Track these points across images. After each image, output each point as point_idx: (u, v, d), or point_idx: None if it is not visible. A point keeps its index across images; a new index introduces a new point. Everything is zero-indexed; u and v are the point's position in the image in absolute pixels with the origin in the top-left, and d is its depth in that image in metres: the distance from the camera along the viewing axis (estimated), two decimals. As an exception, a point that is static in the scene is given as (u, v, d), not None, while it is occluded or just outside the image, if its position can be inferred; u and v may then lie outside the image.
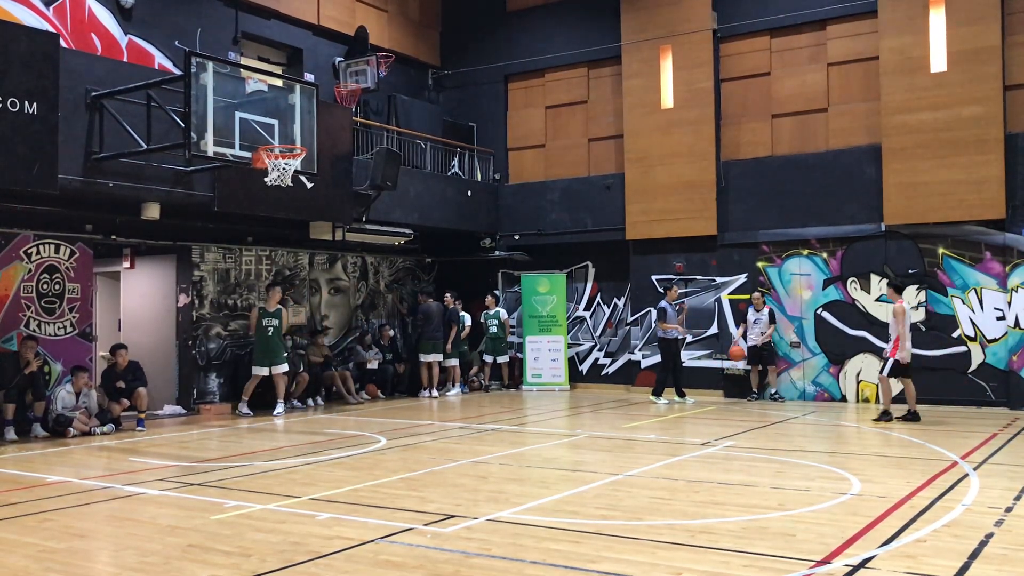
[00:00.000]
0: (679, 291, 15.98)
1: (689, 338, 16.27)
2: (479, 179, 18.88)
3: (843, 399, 15.10)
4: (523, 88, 19.18)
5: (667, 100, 16.80)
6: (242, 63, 14.29)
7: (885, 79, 14.84)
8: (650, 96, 16.96)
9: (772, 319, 15.50)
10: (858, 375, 15.06)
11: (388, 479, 8.45)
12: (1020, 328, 13.82)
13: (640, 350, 17.29)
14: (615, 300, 18.01)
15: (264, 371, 14.08)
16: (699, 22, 16.54)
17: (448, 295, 17.64)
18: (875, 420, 12.49)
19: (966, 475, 8.32)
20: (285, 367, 14.26)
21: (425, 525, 6.56)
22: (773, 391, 15.45)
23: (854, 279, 15.19)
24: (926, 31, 14.45)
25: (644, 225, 17.02)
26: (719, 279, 16.46)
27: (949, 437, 10.84)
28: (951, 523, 6.46)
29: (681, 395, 15.35)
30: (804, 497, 7.45)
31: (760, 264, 16.06)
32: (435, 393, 16.70)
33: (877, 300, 14.93)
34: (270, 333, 14.10)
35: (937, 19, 14.37)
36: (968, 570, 5.31)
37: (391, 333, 17.61)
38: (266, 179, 11.31)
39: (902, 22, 14.68)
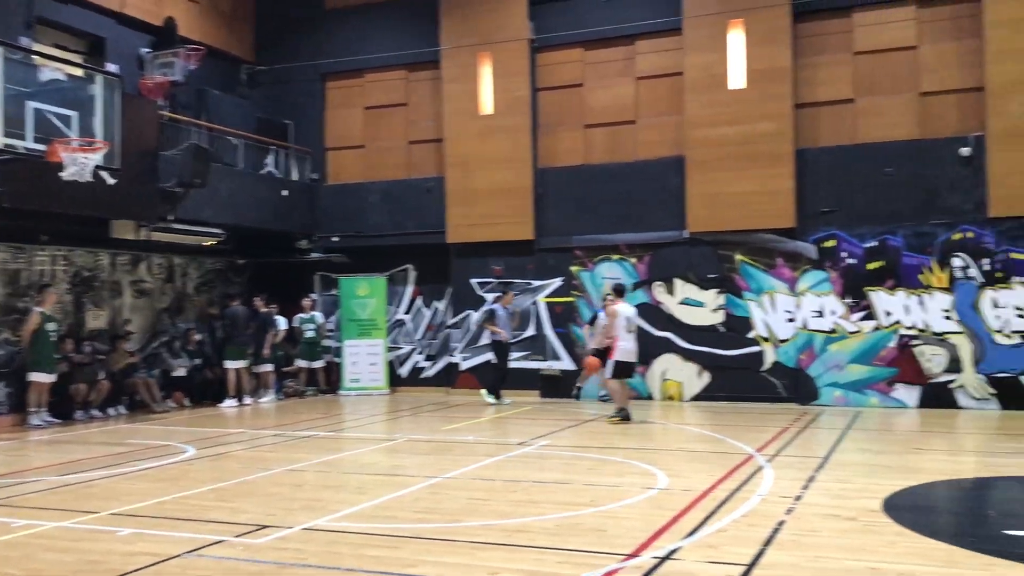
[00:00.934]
0: (514, 295, 16.19)
1: (512, 340, 16.50)
2: (295, 179, 18.44)
3: (649, 397, 15.80)
4: (341, 88, 18.90)
5: (486, 106, 17.03)
6: (35, 49, 13.30)
7: (689, 94, 15.68)
8: (469, 101, 17.14)
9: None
10: (663, 374, 15.80)
11: (196, 490, 8.10)
12: (808, 329, 14.94)
13: (461, 353, 17.42)
14: (435, 303, 18.06)
15: (51, 377, 13.20)
16: (515, 31, 16.88)
17: (259, 298, 17.08)
18: (610, 419, 12.73)
19: (761, 467, 8.91)
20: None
21: (236, 537, 6.33)
22: (602, 393, 15.58)
23: (660, 283, 15.93)
24: (726, 50, 15.38)
25: (464, 229, 17.18)
26: (536, 282, 16.84)
27: (745, 432, 11.57)
28: (748, 513, 6.90)
29: (496, 396, 15.57)
30: (615, 493, 7.74)
31: (574, 268, 16.56)
32: (246, 400, 16.13)
33: (681, 303, 15.73)
34: (54, 338, 13.25)
35: (736, 39, 15.32)
36: (763, 556, 5.69)
37: (198, 337, 16.83)
38: (62, 174, 10.58)
39: (704, 41, 15.56)
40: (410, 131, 18.37)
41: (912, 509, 7.14)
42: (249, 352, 16.35)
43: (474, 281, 17.30)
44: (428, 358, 18.11)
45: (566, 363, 16.57)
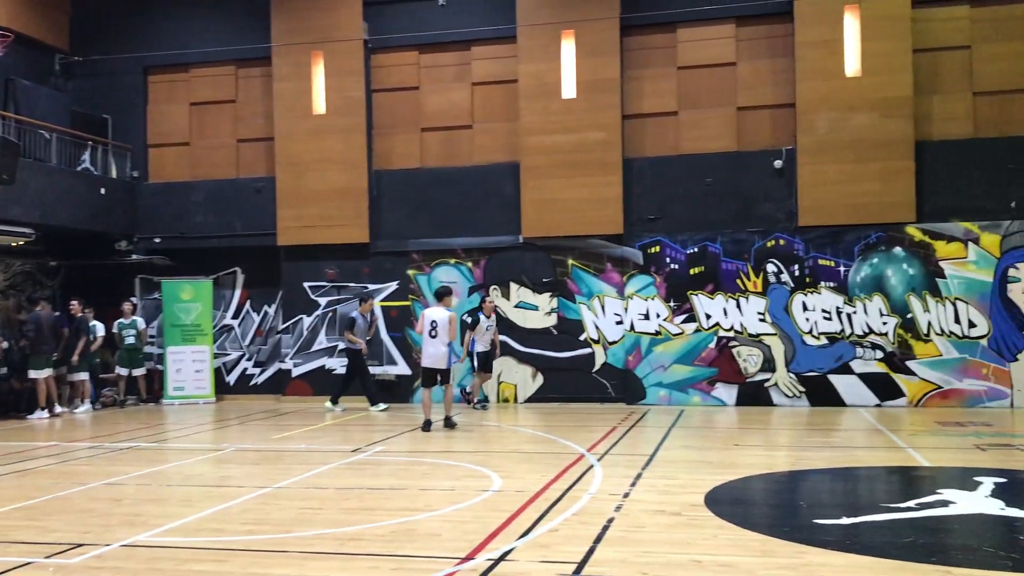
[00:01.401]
0: (373, 302, 15.86)
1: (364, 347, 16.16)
2: (114, 176, 17.46)
3: (485, 400, 15.92)
4: (165, 82, 18.05)
5: (319, 106, 16.71)
6: None
7: (523, 102, 15.94)
8: (301, 101, 16.77)
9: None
10: (499, 377, 15.97)
11: (1, 510, 7.51)
12: (635, 331, 15.49)
13: (292, 359, 16.98)
14: (265, 308, 17.54)
15: None
16: (350, 31, 16.65)
17: (75, 302, 16.05)
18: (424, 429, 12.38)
19: (591, 466, 9.16)
20: None
21: (47, 557, 5.92)
22: (477, 399, 15.39)
23: (495, 287, 16.11)
24: (559, 59, 15.74)
25: (296, 231, 16.77)
26: (371, 286, 16.65)
27: (577, 432, 11.86)
28: (579, 512, 7.07)
29: (335, 402, 15.30)
30: (450, 496, 7.75)
31: (411, 272, 16.49)
32: (59, 411, 15.10)
33: (516, 307, 15.96)
34: None
35: (568, 49, 15.72)
36: (593, 554, 5.84)
37: (4, 345, 15.61)
38: None
39: (538, 50, 15.87)
40: (239, 129, 17.77)
41: (732, 503, 7.52)
42: (54, 359, 15.25)
43: (307, 285, 16.92)
44: (257, 365, 17.56)
45: (402, 368, 16.47)
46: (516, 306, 16.00)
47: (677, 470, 8.99)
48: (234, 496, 7.94)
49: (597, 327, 15.69)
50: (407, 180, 16.66)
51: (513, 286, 16.03)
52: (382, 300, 16.61)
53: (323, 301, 16.75)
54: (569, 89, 15.70)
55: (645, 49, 15.91)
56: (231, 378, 17.62)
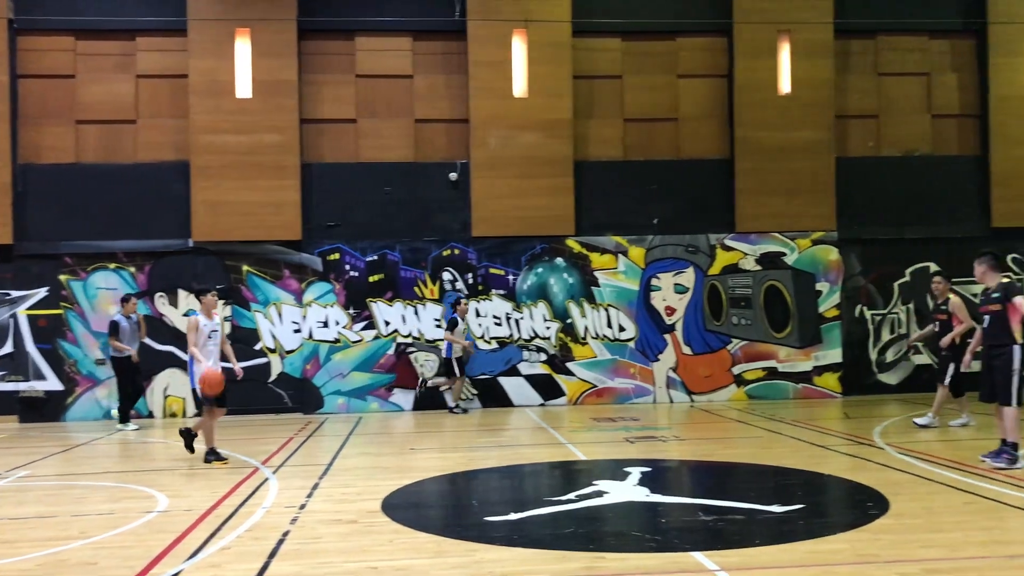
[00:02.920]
0: (135, 302, 13.90)
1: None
2: None
3: (150, 415, 14.92)
4: None
5: (-49, 88, 14.73)
6: None
7: (194, 98, 15.15)
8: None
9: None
10: (165, 390, 15.03)
11: None
12: (313, 340, 15.29)
13: (-88, 375, 14.77)
14: None
15: None
16: (-8, 7, 14.88)
17: None
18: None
19: (266, 479, 8.89)
20: None
21: None
22: (453, 405, 14.87)
23: (162, 294, 15.15)
24: (232, 57, 15.15)
25: (-81, 229, 14.63)
26: (15, 293, 14.94)
27: (252, 444, 11.46)
28: (253, 527, 6.83)
29: (125, 420, 13.64)
30: (108, 521, 7.16)
31: (63, 277, 15.01)
32: None
33: (185, 315, 15.10)
34: None
35: (243, 48, 15.18)
36: (267, 569, 5.67)
37: None
38: None
39: (210, 45, 15.16)
40: None
41: (407, 507, 7.65)
42: None
43: (-66, 291, 14.83)
44: None
45: (52, 383, 14.94)
46: (185, 314, 15.12)
47: (354, 478, 8.99)
48: None
49: (274, 336, 15.29)
50: (60, 176, 15.17)
51: (182, 293, 15.15)
52: (27, 308, 14.96)
53: (-45, 309, 14.77)
54: (244, 89, 15.17)
55: (324, 54, 15.79)
56: None
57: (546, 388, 15.56)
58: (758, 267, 15.93)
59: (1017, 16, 16.25)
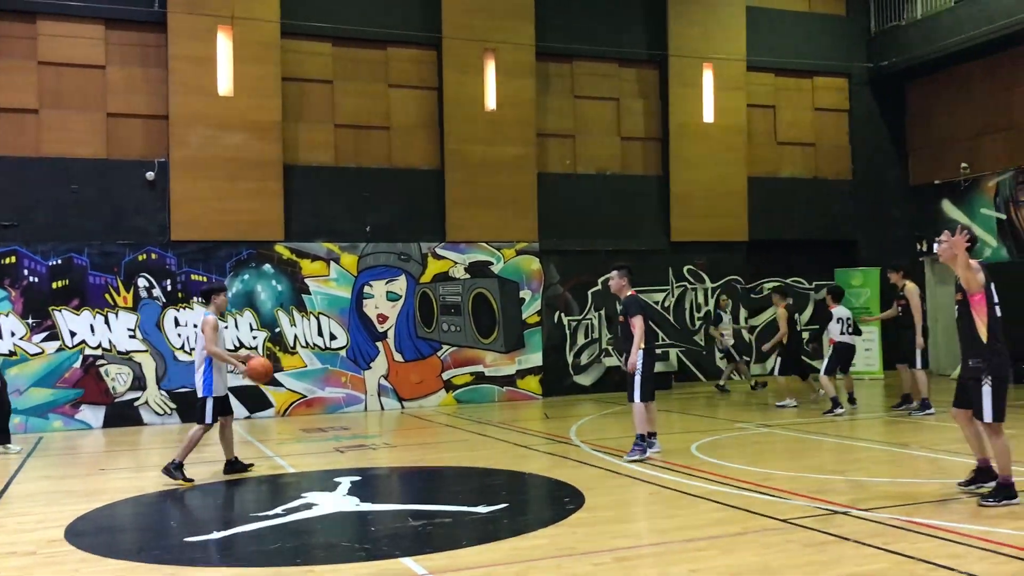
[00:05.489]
0: None
1: None
2: None
3: None
4: None
5: None
6: None
7: None
8: None
9: None
10: None
11: None
12: (-17, 353, 13.67)
13: None
14: None
15: None
16: None
17: None
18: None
19: (-77, 513, 7.81)
20: None
21: None
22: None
23: None
24: None
25: None
26: None
27: (-96, 474, 10.04)
28: (-96, 568, 5.98)
29: (5, 441, 11.37)
30: None
31: None
32: None
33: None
34: None
35: None
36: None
37: None
38: None
39: None
40: None
41: (96, 532, 7.06)
42: None
43: None
44: None
45: None
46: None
47: (33, 504, 8.15)
48: None
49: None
50: None
51: None
52: None
53: None
54: None
55: (0, 37, 14.22)
56: None
57: (253, 400, 15.01)
58: (467, 275, 16.43)
59: (693, 51, 18.09)
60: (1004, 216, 18.08)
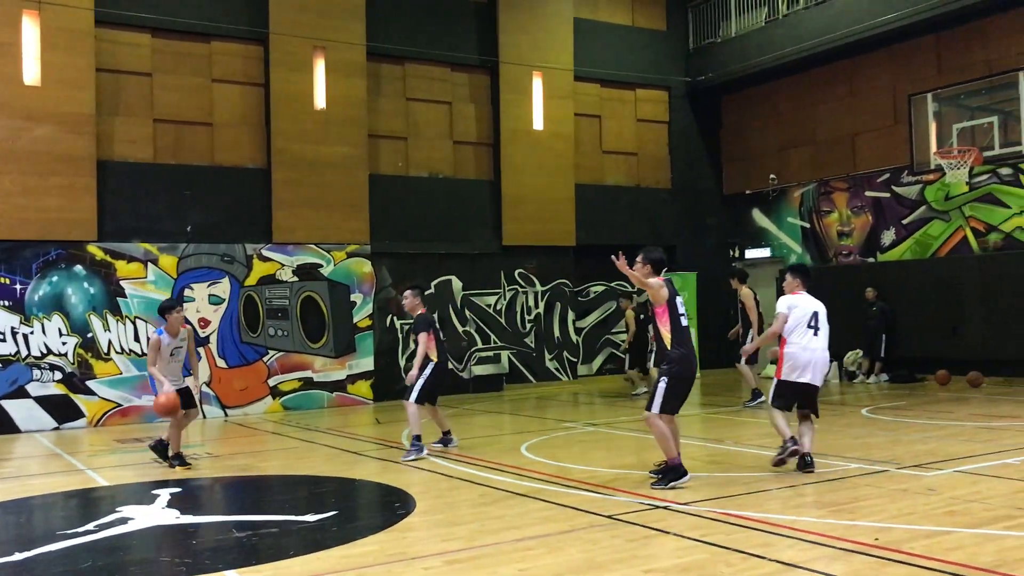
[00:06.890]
0: None
1: None
2: None
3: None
4: None
5: None
6: None
7: None
8: None
9: None
10: None
11: None
12: None
13: None
14: None
15: None
16: None
17: None
18: None
19: None
20: None
21: None
22: None
23: None
24: None
25: None
26: None
27: None
28: None
29: None
30: None
31: None
32: None
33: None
34: None
35: None
36: None
37: None
38: None
39: None
40: None
41: None
42: None
43: None
44: None
45: None
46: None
47: None
48: None
49: None
50: None
51: None
52: None
53: None
54: None
55: None
56: None
57: (61, 410, 14.06)
58: (295, 278, 16.03)
59: (523, 59, 18.42)
60: (808, 224, 19.45)
